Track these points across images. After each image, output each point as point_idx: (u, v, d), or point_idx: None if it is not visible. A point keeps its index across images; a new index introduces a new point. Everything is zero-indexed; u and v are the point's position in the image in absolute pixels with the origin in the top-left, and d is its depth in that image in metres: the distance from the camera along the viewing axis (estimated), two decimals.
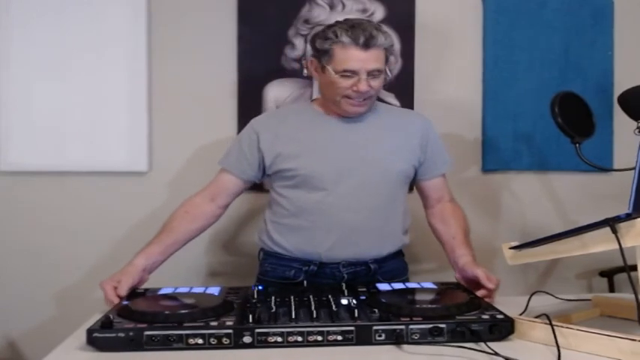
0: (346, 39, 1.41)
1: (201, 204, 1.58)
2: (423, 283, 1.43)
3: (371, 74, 1.44)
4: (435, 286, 1.38)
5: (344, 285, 1.35)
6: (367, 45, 1.41)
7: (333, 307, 1.15)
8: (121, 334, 1.04)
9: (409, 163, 1.57)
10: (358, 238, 1.50)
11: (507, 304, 1.27)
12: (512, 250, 1.25)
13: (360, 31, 1.41)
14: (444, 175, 1.67)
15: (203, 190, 1.61)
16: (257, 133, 1.56)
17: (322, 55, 1.47)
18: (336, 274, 1.51)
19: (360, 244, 1.51)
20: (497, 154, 2.22)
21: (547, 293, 1.45)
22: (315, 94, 2.14)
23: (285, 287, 1.40)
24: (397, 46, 2.17)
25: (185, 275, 2.10)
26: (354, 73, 1.43)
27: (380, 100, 2.17)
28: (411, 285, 1.39)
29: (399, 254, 1.64)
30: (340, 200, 1.49)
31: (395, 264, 1.61)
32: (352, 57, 1.41)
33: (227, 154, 1.62)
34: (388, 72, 1.52)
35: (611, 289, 2.19)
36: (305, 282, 1.47)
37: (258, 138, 1.56)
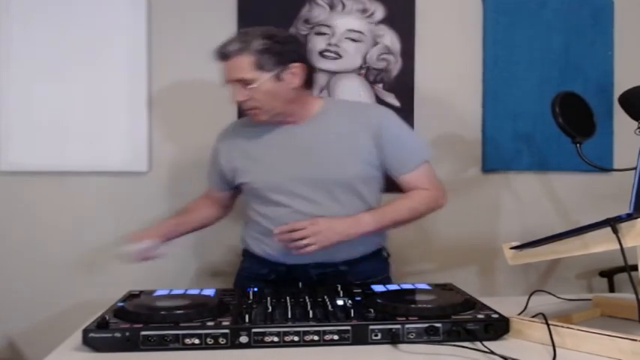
0: (214, 54, 1.46)
1: (207, 205, 1.71)
2: (417, 284, 1.43)
3: (240, 83, 1.42)
4: (429, 287, 1.37)
5: (339, 286, 1.35)
6: (223, 55, 1.43)
7: (329, 307, 1.15)
8: (117, 335, 1.04)
9: (365, 164, 1.49)
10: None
11: (507, 303, 1.27)
12: (512, 250, 1.25)
13: (218, 46, 1.44)
14: (417, 170, 1.53)
15: (199, 197, 1.75)
16: (217, 149, 1.64)
17: None
18: (305, 275, 1.49)
19: (326, 249, 1.44)
20: (497, 154, 2.22)
21: (547, 292, 1.45)
22: (315, 95, 2.14)
23: (281, 288, 1.39)
24: (397, 46, 2.17)
25: (187, 275, 2.11)
26: (225, 81, 1.45)
27: (383, 104, 2.17)
28: (405, 286, 1.39)
29: (375, 255, 1.59)
30: (298, 208, 1.47)
31: (369, 265, 1.56)
32: (220, 66, 1.45)
33: (207, 172, 1.70)
34: (289, 79, 1.44)
35: (611, 289, 2.19)
36: (276, 280, 1.52)
37: (218, 153, 1.62)
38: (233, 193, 1.69)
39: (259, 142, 1.54)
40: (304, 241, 1.38)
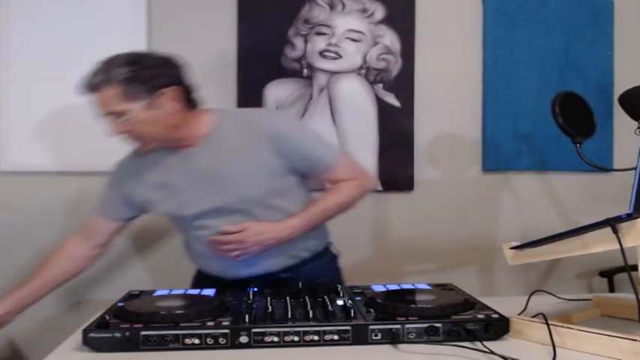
0: (82, 84, 1.37)
1: (76, 245, 1.57)
2: (417, 284, 1.43)
3: (113, 116, 1.32)
4: (429, 287, 1.37)
5: (339, 286, 1.35)
6: (90, 88, 1.34)
7: (329, 307, 1.15)
8: (117, 335, 1.04)
9: (270, 178, 1.42)
10: (252, 259, 1.43)
11: (507, 303, 1.27)
12: (512, 250, 1.25)
13: (88, 75, 1.35)
14: (330, 169, 1.47)
15: (78, 232, 1.59)
16: (119, 175, 1.53)
17: None
18: (249, 286, 1.41)
19: (255, 264, 1.44)
20: (497, 154, 2.22)
21: (547, 292, 1.45)
22: (315, 95, 2.14)
23: (280, 288, 1.39)
24: (397, 46, 2.17)
25: (187, 276, 2.10)
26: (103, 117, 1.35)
27: (383, 103, 2.17)
28: (405, 286, 1.39)
29: (319, 256, 1.56)
30: (216, 231, 1.41)
31: (313, 266, 1.53)
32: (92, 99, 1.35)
33: (98, 204, 1.57)
34: (164, 103, 1.35)
35: (611, 289, 2.19)
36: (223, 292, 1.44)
37: (122, 180, 1.51)
38: (123, 225, 1.57)
39: (163, 170, 1.45)
40: (234, 253, 1.38)
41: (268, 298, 1.23)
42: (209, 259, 1.48)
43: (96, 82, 1.32)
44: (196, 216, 1.44)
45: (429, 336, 1.07)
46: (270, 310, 1.15)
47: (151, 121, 1.34)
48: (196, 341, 1.04)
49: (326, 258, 1.60)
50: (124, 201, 1.51)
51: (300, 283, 1.41)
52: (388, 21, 2.15)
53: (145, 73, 1.32)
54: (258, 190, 1.41)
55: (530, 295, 1.36)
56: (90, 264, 1.59)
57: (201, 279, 1.59)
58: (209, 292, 1.33)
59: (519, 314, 1.22)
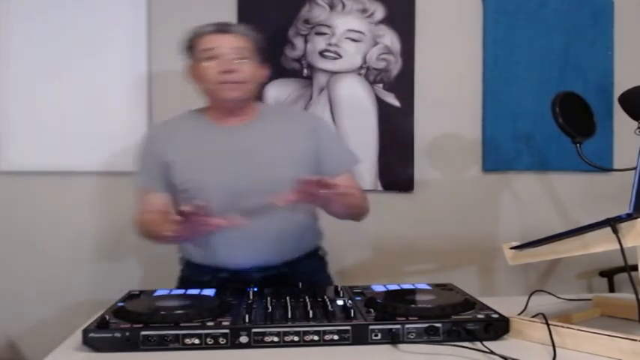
0: (205, 28, 1.50)
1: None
2: (417, 284, 1.43)
3: (236, 55, 1.46)
4: (429, 287, 1.37)
5: (339, 286, 1.35)
6: (223, 30, 1.49)
7: (329, 307, 1.15)
8: (117, 335, 1.03)
9: (303, 166, 1.48)
10: (260, 245, 1.47)
11: (507, 303, 1.27)
12: (512, 250, 1.25)
13: (216, 23, 1.51)
14: (348, 174, 1.57)
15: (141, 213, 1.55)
16: (154, 148, 1.55)
17: (188, 53, 1.54)
18: (248, 279, 1.46)
19: (263, 250, 1.48)
20: (497, 154, 2.22)
21: (547, 292, 1.45)
22: (315, 95, 2.14)
23: (281, 289, 1.39)
24: (397, 46, 2.17)
25: None
26: (216, 52, 1.46)
27: (383, 103, 2.17)
28: (405, 286, 1.39)
29: (312, 255, 1.61)
30: (234, 210, 1.41)
31: (309, 264, 1.58)
32: (210, 39, 1.48)
33: (141, 173, 1.57)
34: (263, 73, 1.54)
35: (611, 289, 2.19)
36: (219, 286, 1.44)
37: (156, 151, 1.53)
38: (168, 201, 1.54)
39: (200, 142, 1.52)
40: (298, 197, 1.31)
41: (268, 298, 1.23)
42: (216, 244, 1.47)
43: (235, 29, 1.51)
44: (215, 188, 1.45)
45: (429, 336, 1.07)
46: (270, 310, 1.15)
47: (254, 77, 1.51)
48: (196, 341, 1.04)
49: (317, 257, 1.64)
50: (157, 170, 1.52)
51: (301, 284, 1.41)
52: (388, 21, 2.15)
53: (263, 46, 1.55)
54: (291, 172, 1.44)
55: (530, 295, 1.36)
56: None
57: (194, 275, 1.56)
58: (209, 292, 1.33)
59: (519, 314, 1.22)
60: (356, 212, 1.57)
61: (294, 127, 1.56)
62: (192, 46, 1.51)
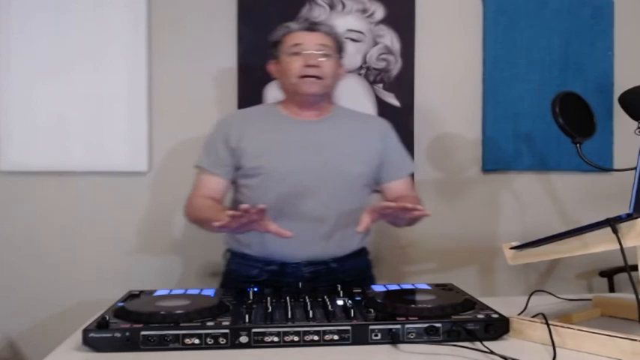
0: (294, 26, 1.59)
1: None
2: (417, 284, 1.43)
3: (320, 52, 1.54)
4: (429, 287, 1.38)
5: (339, 286, 1.35)
6: (311, 28, 1.58)
7: (329, 307, 1.15)
8: (117, 335, 1.03)
9: (368, 165, 1.60)
10: (317, 237, 1.53)
11: (507, 303, 1.27)
12: (512, 250, 1.25)
13: (304, 21, 1.60)
14: (407, 178, 1.68)
15: (195, 195, 1.58)
16: (228, 133, 1.59)
17: (276, 47, 1.61)
18: (297, 273, 1.53)
19: (319, 243, 1.53)
20: (497, 154, 2.22)
21: (547, 292, 1.45)
22: None
23: (281, 288, 1.39)
24: (397, 46, 2.17)
25: (187, 276, 2.11)
26: (302, 48, 1.54)
27: (383, 103, 2.17)
28: (405, 286, 1.39)
29: (360, 253, 1.66)
30: (300, 200, 1.52)
31: (356, 262, 1.63)
32: (299, 36, 1.56)
33: (206, 155, 1.61)
34: (341, 72, 1.64)
35: (611, 289, 2.19)
36: (267, 281, 1.51)
37: (230, 136, 1.58)
38: (229, 188, 1.62)
39: (274, 132, 1.59)
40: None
41: (268, 299, 1.23)
42: (272, 237, 1.46)
43: (322, 28, 1.60)
44: (283, 175, 1.52)
45: (429, 336, 1.07)
46: (270, 310, 1.15)
47: (334, 74, 1.59)
48: (196, 341, 1.04)
49: (364, 256, 1.69)
50: (227, 156, 1.58)
51: (300, 284, 1.42)
52: (388, 21, 2.15)
53: (343, 45, 1.66)
54: (359, 169, 1.58)
55: (530, 295, 1.36)
56: None
57: (241, 269, 1.58)
58: (209, 291, 1.33)
59: (519, 314, 1.22)
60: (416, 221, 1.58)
61: (366, 128, 1.65)
62: (280, 42, 1.59)
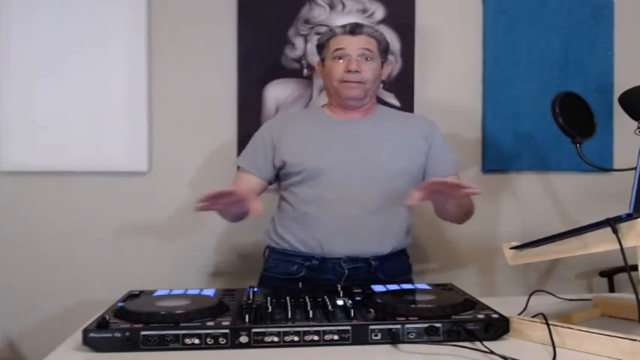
0: (338, 29, 1.62)
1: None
2: (417, 284, 1.43)
3: (362, 56, 1.57)
4: (429, 287, 1.38)
5: (339, 286, 1.35)
6: (354, 32, 1.59)
7: (329, 307, 1.15)
8: (117, 335, 1.04)
9: (412, 162, 1.61)
10: (359, 233, 1.54)
11: (507, 303, 1.27)
12: (512, 250, 1.25)
13: (348, 24, 1.61)
14: (453, 177, 1.62)
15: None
16: (270, 133, 1.65)
17: (321, 50, 1.65)
18: (337, 270, 1.54)
19: (360, 239, 1.54)
20: (497, 154, 2.22)
21: (547, 292, 1.45)
22: (315, 95, 2.14)
23: (281, 288, 1.39)
24: (397, 46, 2.17)
25: (187, 276, 2.11)
26: (344, 53, 1.57)
27: (383, 103, 2.17)
28: (405, 286, 1.39)
29: (401, 254, 1.66)
30: (342, 195, 1.54)
31: (397, 263, 1.63)
32: (342, 40, 1.59)
33: (244, 155, 1.69)
34: (386, 71, 1.67)
35: (611, 289, 2.19)
36: (305, 277, 1.53)
37: (271, 137, 1.64)
38: (264, 188, 1.66)
39: (317, 130, 1.62)
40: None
41: (268, 298, 1.23)
42: (315, 225, 1.54)
43: (366, 30, 1.61)
44: (326, 170, 1.54)
45: (429, 336, 1.07)
46: (270, 310, 1.15)
47: (377, 76, 1.62)
48: (196, 341, 1.04)
49: (405, 258, 1.69)
50: (268, 156, 1.63)
51: (300, 284, 1.42)
52: (388, 21, 2.15)
53: (387, 45, 1.69)
54: (401, 165, 1.59)
55: (530, 295, 1.36)
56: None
57: (280, 265, 1.60)
58: (209, 291, 1.33)
59: (519, 314, 1.22)
60: (464, 212, 1.64)
61: (411, 126, 1.68)
62: (325, 45, 1.63)
